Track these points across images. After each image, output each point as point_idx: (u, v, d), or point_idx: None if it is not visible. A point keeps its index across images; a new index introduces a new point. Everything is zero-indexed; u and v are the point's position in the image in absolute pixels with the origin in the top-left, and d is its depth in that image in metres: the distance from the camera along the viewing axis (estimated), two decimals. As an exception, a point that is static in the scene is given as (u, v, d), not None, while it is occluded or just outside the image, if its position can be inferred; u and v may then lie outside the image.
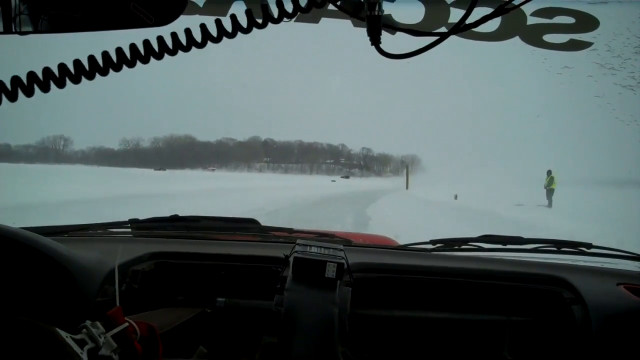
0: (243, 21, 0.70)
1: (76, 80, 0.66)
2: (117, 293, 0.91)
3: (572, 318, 1.22)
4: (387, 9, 0.74)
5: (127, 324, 0.78)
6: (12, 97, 0.63)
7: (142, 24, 0.70)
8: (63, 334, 0.65)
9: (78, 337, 0.69)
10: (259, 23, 0.70)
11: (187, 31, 0.69)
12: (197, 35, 0.70)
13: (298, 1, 0.68)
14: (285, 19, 0.70)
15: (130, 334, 0.78)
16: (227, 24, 0.70)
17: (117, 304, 0.83)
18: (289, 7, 0.69)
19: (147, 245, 1.41)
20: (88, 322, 0.72)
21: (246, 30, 0.70)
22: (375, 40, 0.74)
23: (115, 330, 0.75)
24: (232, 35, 0.70)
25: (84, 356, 0.67)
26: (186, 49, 0.69)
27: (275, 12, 0.70)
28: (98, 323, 0.73)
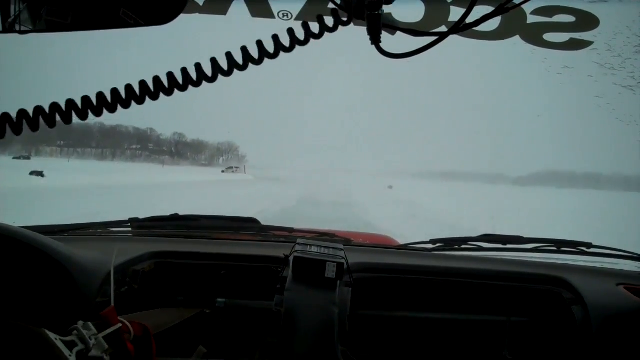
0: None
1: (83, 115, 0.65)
2: (112, 293, 0.91)
3: (572, 318, 1.22)
4: (387, 8, 0.74)
5: (119, 324, 0.77)
6: (17, 131, 0.62)
7: (144, 23, 0.70)
8: (52, 335, 0.64)
9: (68, 339, 0.68)
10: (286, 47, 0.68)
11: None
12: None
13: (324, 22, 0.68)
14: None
15: (123, 334, 0.77)
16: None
17: (112, 304, 0.83)
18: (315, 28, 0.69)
19: (147, 245, 1.41)
20: (80, 323, 0.72)
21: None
22: (376, 40, 0.74)
23: (107, 331, 0.74)
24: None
25: (72, 358, 0.66)
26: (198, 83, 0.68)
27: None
28: (90, 324, 0.73)
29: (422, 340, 1.34)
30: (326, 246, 1.27)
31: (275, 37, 0.68)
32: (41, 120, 0.63)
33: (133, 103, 0.66)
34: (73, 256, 1.14)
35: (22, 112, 0.62)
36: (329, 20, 0.69)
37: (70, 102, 0.65)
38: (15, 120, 0.62)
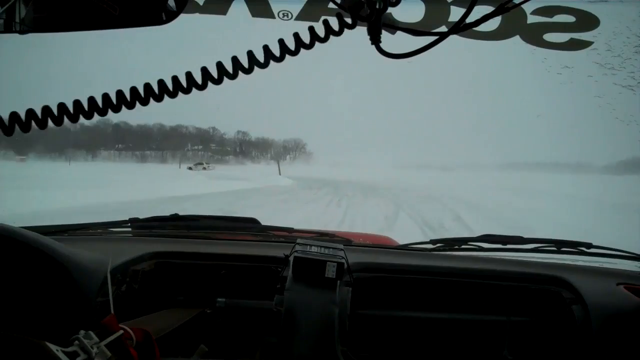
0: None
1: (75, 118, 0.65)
2: (110, 300, 0.91)
3: (572, 318, 1.22)
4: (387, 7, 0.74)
5: (121, 331, 0.78)
6: (9, 132, 0.63)
7: (147, 22, 0.70)
8: (54, 347, 0.64)
9: (69, 349, 0.68)
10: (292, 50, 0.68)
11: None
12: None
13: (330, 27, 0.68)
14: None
15: (125, 340, 0.78)
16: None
17: (112, 311, 0.83)
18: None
19: (147, 245, 1.41)
20: (81, 333, 0.72)
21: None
22: (376, 40, 0.74)
23: (109, 339, 0.74)
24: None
25: None
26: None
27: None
28: (91, 333, 0.73)
29: (422, 340, 1.34)
30: (326, 246, 1.27)
31: (281, 41, 0.68)
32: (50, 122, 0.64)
33: (137, 104, 0.66)
34: (73, 256, 1.14)
35: (30, 112, 0.63)
36: (334, 24, 0.69)
37: (77, 103, 0.65)
38: (24, 120, 0.63)
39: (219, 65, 0.66)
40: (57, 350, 0.64)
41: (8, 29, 0.71)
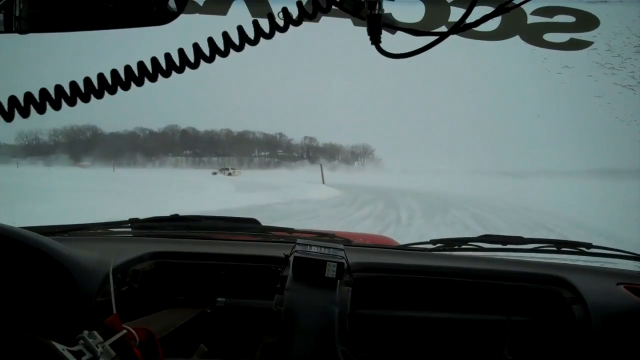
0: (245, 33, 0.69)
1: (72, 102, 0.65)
2: (112, 300, 0.91)
3: (572, 318, 1.22)
4: (388, 7, 0.74)
5: (125, 331, 0.78)
6: (9, 118, 0.63)
7: (148, 22, 0.70)
8: (60, 347, 0.65)
9: (75, 348, 0.69)
10: (266, 33, 0.69)
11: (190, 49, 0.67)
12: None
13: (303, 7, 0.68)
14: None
15: (129, 340, 0.78)
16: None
17: (114, 311, 0.83)
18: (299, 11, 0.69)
19: (148, 245, 1.41)
20: (85, 333, 0.72)
21: (253, 42, 0.69)
22: (376, 40, 0.74)
23: (113, 339, 0.75)
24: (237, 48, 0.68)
25: None
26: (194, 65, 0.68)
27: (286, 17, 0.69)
28: (95, 332, 0.73)
29: (422, 340, 1.34)
30: (326, 246, 1.27)
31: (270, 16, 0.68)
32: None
33: (119, 89, 0.66)
34: (73, 256, 1.14)
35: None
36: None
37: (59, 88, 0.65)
38: (22, 104, 0.63)
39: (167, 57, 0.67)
40: (63, 350, 0.65)
41: (8, 29, 0.71)
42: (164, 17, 0.70)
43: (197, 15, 1.31)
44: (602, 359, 1.15)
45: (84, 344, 0.71)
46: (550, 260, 1.49)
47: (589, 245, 1.55)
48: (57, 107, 0.64)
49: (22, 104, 0.63)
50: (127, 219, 1.70)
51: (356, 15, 0.74)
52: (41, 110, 0.63)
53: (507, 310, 1.33)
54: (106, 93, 0.66)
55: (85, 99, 0.65)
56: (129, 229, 1.69)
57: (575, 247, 1.55)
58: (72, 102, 0.65)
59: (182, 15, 0.71)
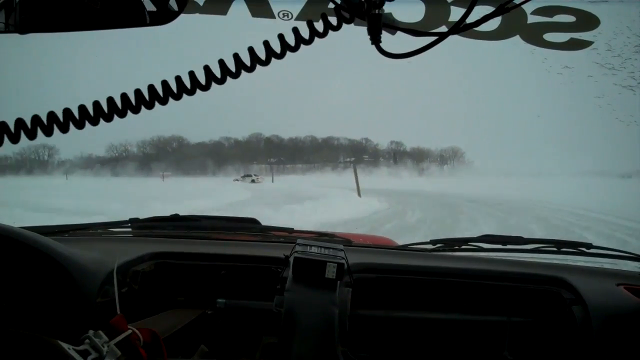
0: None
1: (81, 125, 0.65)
2: (117, 300, 0.91)
3: (572, 318, 1.21)
4: (388, 7, 0.74)
5: (130, 330, 0.78)
6: (15, 140, 0.62)
7: (145, 23, 0.70)
8: (65, 346, 0.65)
9: (81, 348, 0.69)
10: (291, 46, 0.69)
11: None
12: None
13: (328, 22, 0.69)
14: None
15: (134, 340, 0.78)
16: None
17: (118, 311, 0.83)
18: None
19: (148, 245, 1.41)
20: (91, 332, 0.73)
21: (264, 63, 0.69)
22: (376, 40, 0.74)
23: (118, 338, 0.75)
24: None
25: None
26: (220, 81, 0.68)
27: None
28: (101, 332, 0.74)
29: (422, 341, 1.34)
30: (326, 247, 1.26)
31: (281, 36, 0.68)
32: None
33: (143, 108, 0.66)
34: (73, 256, 1.14)
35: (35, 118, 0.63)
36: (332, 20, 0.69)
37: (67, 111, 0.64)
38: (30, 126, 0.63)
39: (222, 64, 0.66)
40: (69, 349, 0.65)
41: (8, 29, 0.71)
42: (164, 17, 0.70)
43: (197, 15, 1.31)
44: (602, 359, 1.15)
45: (90, 343, 0.71)
46: (550, 260, 1.49)
47: (589, 246, 1.55)
48: (95, 122, 0.64)
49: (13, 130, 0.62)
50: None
51: (356, 16, 0.74)
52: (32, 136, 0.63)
53: (507, 311, 1.33)
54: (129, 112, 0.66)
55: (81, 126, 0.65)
56: (129, 229, 1.69)
57: (576, 247, 1.55)
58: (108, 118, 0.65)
59: (182, 15, 0.71)
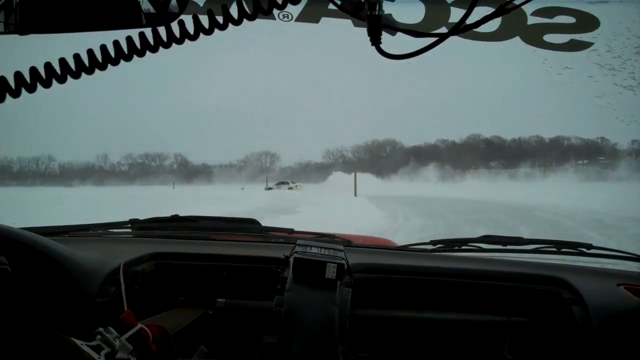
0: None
1: (76, 75, 0.66)
2: (124, 297, 0.92)
3: (572, 318, 1.22)
4: (388, 8, 0.74)
5: (140, 326, 0.79)
6: (15, 94, 0.63)
7: (145, 23, 0.70)
8: (78, 342, 0.66)
9: (93, 343, 0.70)
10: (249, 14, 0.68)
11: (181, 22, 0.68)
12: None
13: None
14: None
15: (144, 335, 0.79)
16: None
17: (125, 308, 0.84)
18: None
19: (148, 246, 1.41)
20: (101, 328, 0.73)
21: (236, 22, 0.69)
22: (376, 40, 0.74)
23: (129, 333, 0.76)
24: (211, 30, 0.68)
25: None
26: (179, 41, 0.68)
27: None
28: (111, 328, 0.74)
29: (422, 341, 1.34)
30: (326, 247, 1.27)
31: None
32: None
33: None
34: (73, 257, 1.14)
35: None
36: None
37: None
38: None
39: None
40: (81, 344, 0.65)
41: (8, 29, 0.71)
42: (164, 17, 0.70)
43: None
44: (602, 359, 1.15)
45: (102, 338, 0.72)
46: (550, 261, 1.49)
47: (589, 246, 1.54)
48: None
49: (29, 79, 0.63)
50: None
51: (356, 16, 0.74)
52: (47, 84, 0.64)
53: (508, 311, 1.33)
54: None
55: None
56: (129, 230, 1.69)
57: (576, 247, 1.54)
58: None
59: (182, 16, 0.71)
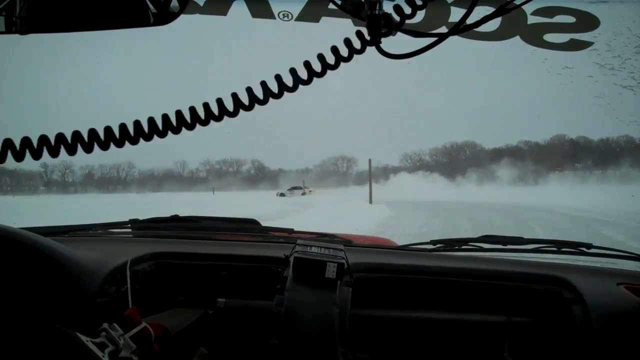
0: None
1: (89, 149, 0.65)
2: (129, 294, 0.91)
3: (572, 318, 1.22)
4: (388, 8, 0.74)
5: (144, 324, 0.79)
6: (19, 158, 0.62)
7: (145, 23, 0.70)
8: (83, 338, 0.65)
9: (98, 340, 0.70)
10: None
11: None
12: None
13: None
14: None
15: (147, 334, 0.79)
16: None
17: (130, 305, 0.83)
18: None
19: (148, 246, 1.41)
20: (106, 325, 0.73)
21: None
22: (376, 40, 0.74)
23: (133, 331, 0.76)
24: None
25: (106, 359, 0.67)
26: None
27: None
28: (116, 325, 0.74)
29: (422, 341, 1.34)
30: (326, 247, 1.27)
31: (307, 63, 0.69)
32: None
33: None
34: (73, 257, 1.14)
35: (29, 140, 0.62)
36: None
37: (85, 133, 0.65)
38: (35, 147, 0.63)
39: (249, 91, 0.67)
40: (86, 341, 0.65)
41: (9, 29, 0.71)
42: (165, 17, 0.70)
43: (197, 15, 1.31)
44: (603, 359, 1.15)
45: (107, 335, 0.71)
46: (550, 260, 1.49)
47: (590, 246, 1.54)
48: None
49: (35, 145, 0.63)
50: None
51: (356, 16, 0.74)
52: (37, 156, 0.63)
53: (508, 311, 1.33)
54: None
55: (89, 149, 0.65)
56: (129, 230, 1.69)
57: (576, 247, 1.54)
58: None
59: (182, 16, 0.71)
